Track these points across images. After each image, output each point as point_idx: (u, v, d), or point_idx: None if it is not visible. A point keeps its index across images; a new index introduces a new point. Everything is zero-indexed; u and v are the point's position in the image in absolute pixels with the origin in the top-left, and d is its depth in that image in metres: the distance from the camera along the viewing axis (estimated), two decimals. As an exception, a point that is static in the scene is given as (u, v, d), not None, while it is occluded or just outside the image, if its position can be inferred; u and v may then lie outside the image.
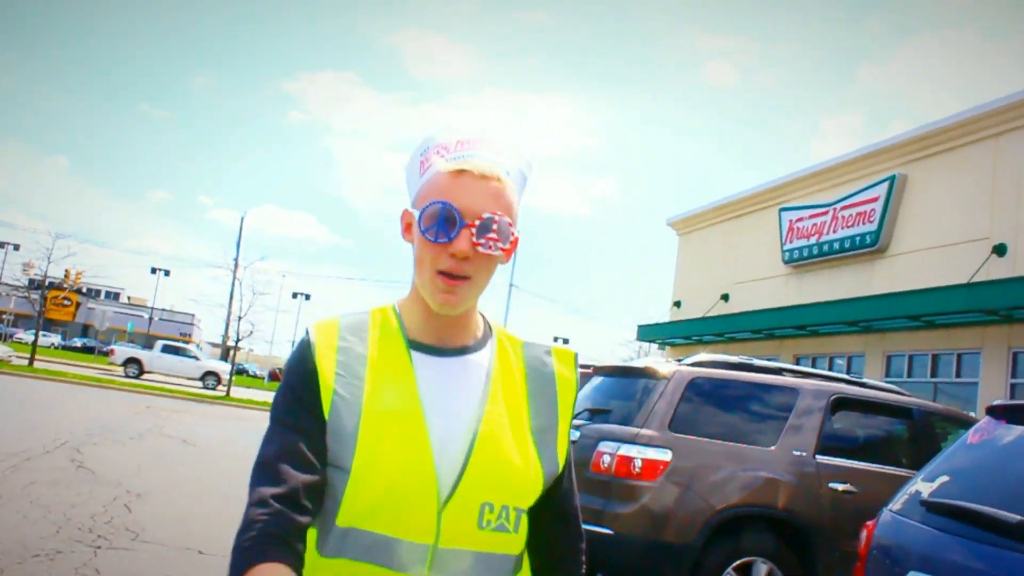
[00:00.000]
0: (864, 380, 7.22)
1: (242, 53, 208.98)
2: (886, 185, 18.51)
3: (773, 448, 6.12)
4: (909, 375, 17.66)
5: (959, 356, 16.58)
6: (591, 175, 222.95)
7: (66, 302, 62.49)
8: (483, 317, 1.43)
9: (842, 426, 6.49)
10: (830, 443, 6.29)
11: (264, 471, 1.24)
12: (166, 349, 34.96)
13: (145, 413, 19.47)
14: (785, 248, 21.76)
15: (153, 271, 68.28)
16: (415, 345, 1.34)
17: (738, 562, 5.87)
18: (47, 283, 35.03)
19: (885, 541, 3.17)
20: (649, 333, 27.13)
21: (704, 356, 6.75)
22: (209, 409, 25.35)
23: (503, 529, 1.29)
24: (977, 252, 15.87)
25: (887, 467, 6.26)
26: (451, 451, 1.27)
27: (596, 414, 6.57)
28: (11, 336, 60.58)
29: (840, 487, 6.08)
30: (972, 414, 9.72)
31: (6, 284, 48.41)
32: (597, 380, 7.12)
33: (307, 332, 1.34)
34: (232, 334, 35.72)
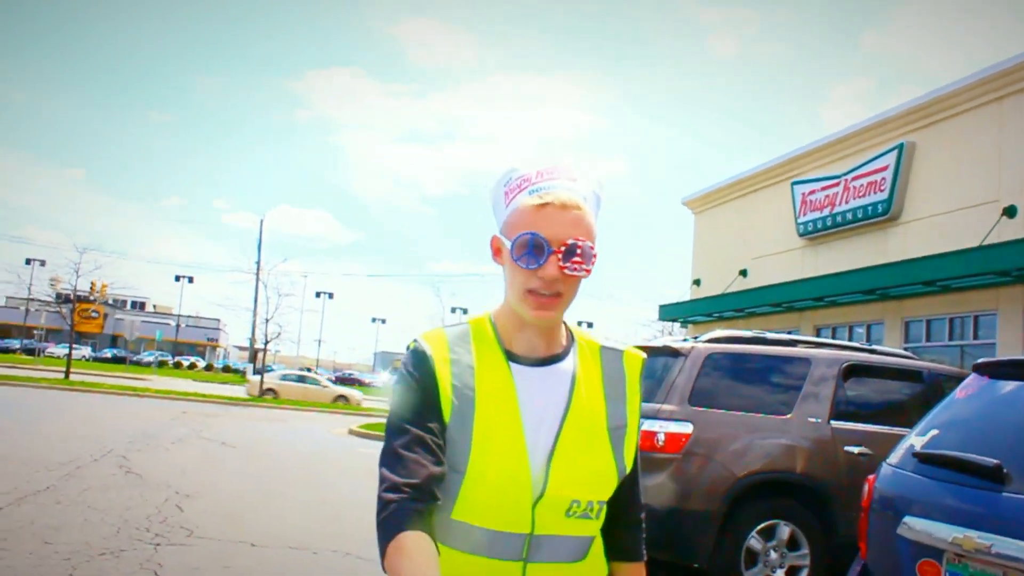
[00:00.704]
0: (874, 347, 7.47)
1: (245, 54, 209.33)
2: (895, 153, 18.60)
3: (789, 416, 6.40)
4: (928, 340, 17.82)
5: (976, 318, 16.69)
6: (601, 157, 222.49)
7: (93, 314, 63.33)
8: (566, 326, 1.61)
9: (855, 392, 6.73)
10: (844, 409, 6.55)
11: (396, 459, 1.42)
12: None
13: (181, 418, 20.00)
14: (799, 221, 21.87)
15: (177, 279, 69.26)
16: (511, 356, 1.52)
17: (762, 525, 6.19)
18: (75, 296, 35.68)
19: (884, 492, 3.48)
20: (670, 312, 27.27)
21: (720, 332, 7.03)
22: (242, 411, 25.94)
23: (587, 516, 1.50)
24: (988, 215, 15.96)
25: (900, 429, 6.46)
26: (540, 456, 1.46)
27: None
28: (43, 351, 61.20)
29: (855, 450, 6.36)
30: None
31: (37, 300, 49.09)
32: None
33: (418, 342, 1.52)
34: (260, 337, 36.28)
